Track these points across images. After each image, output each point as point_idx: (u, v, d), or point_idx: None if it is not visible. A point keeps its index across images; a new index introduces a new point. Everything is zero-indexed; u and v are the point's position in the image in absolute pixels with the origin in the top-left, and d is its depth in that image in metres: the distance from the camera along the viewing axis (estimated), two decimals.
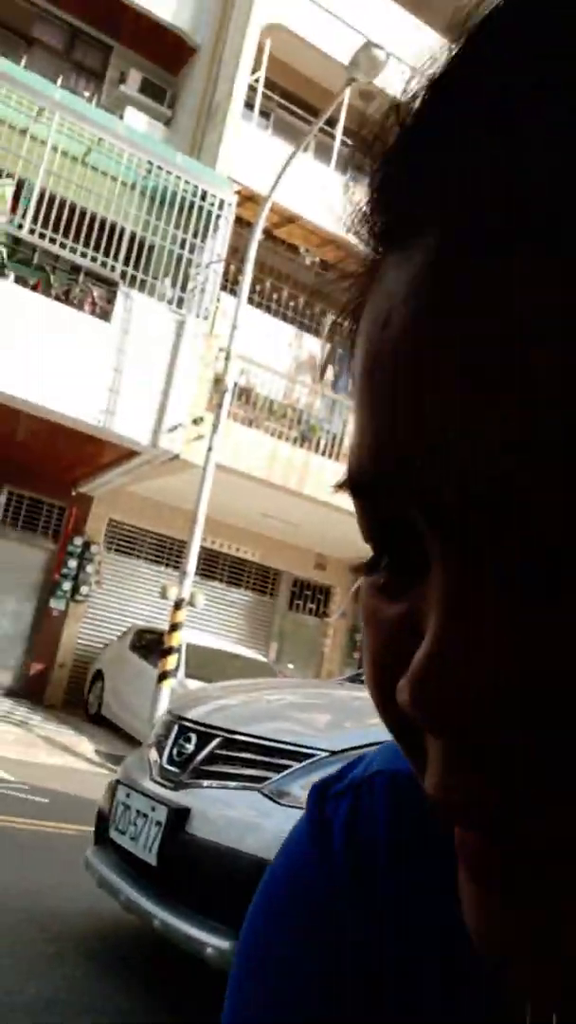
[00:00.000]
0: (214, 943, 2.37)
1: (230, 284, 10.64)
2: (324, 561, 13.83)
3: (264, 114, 12.87)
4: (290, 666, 12.38)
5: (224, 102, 12.05)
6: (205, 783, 2.75)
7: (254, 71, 12.21)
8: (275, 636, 13.59)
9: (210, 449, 9.29)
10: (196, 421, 9.88)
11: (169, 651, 8.92)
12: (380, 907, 0.39)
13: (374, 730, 2.62)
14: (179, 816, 2.66)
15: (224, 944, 2.35)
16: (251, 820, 2.53)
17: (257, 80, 12.27)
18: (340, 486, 0.27)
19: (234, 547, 13.15)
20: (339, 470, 8.45)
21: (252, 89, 12.24)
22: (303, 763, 2.58)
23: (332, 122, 11.87)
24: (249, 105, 12.21)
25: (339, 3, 12.42)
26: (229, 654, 10.19)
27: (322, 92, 12.16)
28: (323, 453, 11.07)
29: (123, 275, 9.66)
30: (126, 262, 9.68)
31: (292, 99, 13.14)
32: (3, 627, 11.87)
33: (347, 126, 12.71)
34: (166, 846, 2.65)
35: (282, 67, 12.57)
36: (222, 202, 10.40)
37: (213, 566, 12.93)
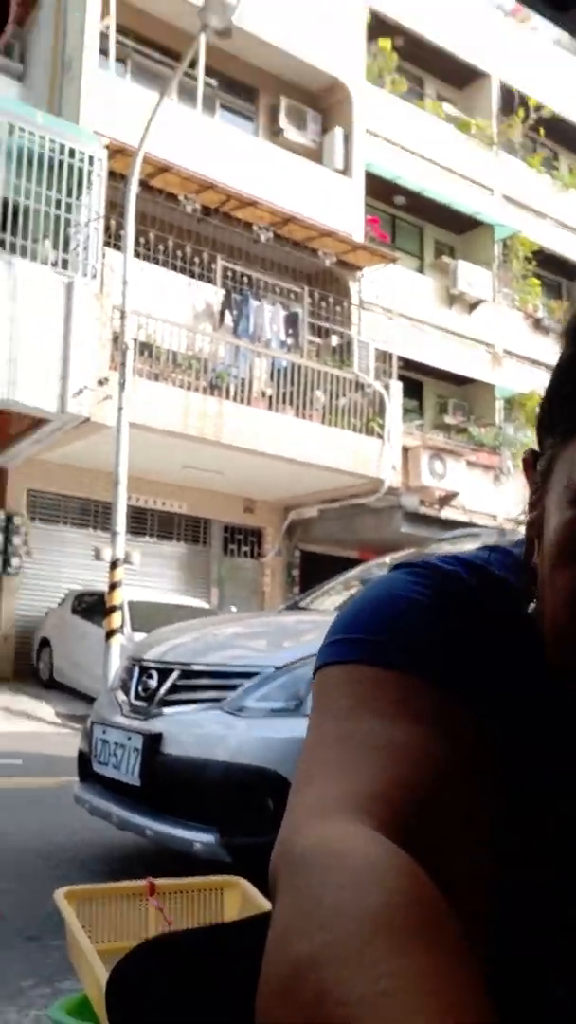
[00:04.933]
0: (200, 839, 2.83)
1: (113, 240, 10.65)
2: (252, 505, 14.18)
3: (121, 60, 12.68)
4: (233, 609, 12.83)
5: (77, 52, 11.79)
6: (172, 710, 3.19)
7: (103, 17, 11.97)
8: (215, 582, 13.95)
9: (120, 408, 9.42)
10: (101, 382, 10.02)
11: (112, 609, 9.22)
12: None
13: (310, 644, 3.09)
14: (154, 740, 3.09)
15: (208, 838, 2.81)
16: (217, 732, 2.99)
17: (108, 27, 12.03)
18: None
19: (160, 502, 13.40)
20: (251, 414, 8.75)
21: (104, 36, 11.98)
22: (254, 680, 3.04)
23: (192, 63, 11.83)
24: (104, 52, 11.99)
25: None
26: (172, 606, 10.53)
27: (177, 32, 12.06)
28: (234, 399, 11.32)
29: (1, 243, 9.59)
30: (3, 229, 9.59)
31: (147, 43, 12.96)
32: None
33: (209, 65, 12.67)
34: (146, 767, 3.08)
35: (132, 11, 12.31)
36: (91, 158, 10.33)
37: (142, 523, 13.17)
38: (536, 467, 0.58)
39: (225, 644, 3.49)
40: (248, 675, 3.08)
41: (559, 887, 0.55)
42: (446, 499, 13.60)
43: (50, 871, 3.55)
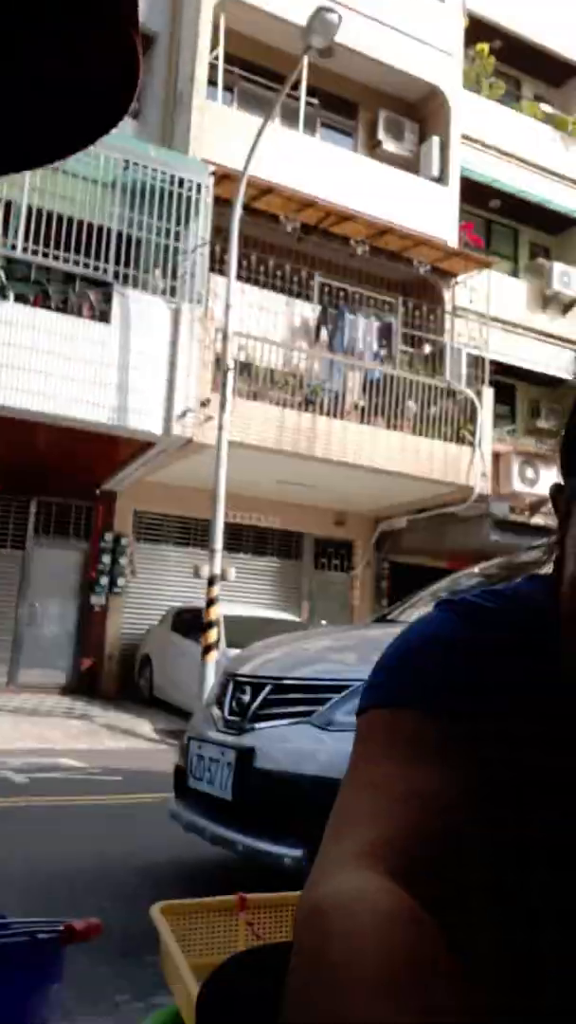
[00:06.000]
0: (290, 854, 2.82)
1: (217, 264, 10.90)
2: (343, 517, 14.20)
3: (228, 88, 13.02)
4: (323, 623, 12.83)
5: (188, 85, 12.20)
6: (263, 724, 3.20)
7: (213, 48, 12.33)
8: (305, 596, 14.02)
9: (221, 428, 9.62)
10: (204, 403, 10.23)
11: (209, 626, 9.36)
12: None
13: None
14: (246, 755, 3.11)
15: (297, 853, 2.80)
16: (307, 748, 2.98)
17: (217, 57, 12.40)
18: None
19: (256, 517, 13.54)
20: (343, 427, 8.87)
21: (213, 67, 12.37)
22: (342, 694, 3.01)
23: (295, 85, 12.02)
24: (212, 82, 12.34)
25: None
26: (265, 619, 10.61)
27: (281, 56, 12.28)
28: (327, 413, 11.38)
29: (116, 275, 9.96)
30: (116, 262, 9.98)
31: (253, 68, 13.25)
32: (51, 631, 12.40)
33: (311, 85, 12.85)
34: (238, 782, 3.10)
35: (239, 39, 12.68)
36: (199, 186, 10.63)
37: (238, 539, 13.34)
38: (560, 503, 0.60)
39: (315, 658, 3.47)
40: (337, 688, 3.06)
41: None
42: (537, 505, 13.24)
43: (147, 888, 3.61)
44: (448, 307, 13.60)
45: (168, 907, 1.94)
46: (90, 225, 9.86)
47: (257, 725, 3.22)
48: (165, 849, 4.25)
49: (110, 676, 12.45)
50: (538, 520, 12.97)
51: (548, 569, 0.67)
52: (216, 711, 3.54)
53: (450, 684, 0.58)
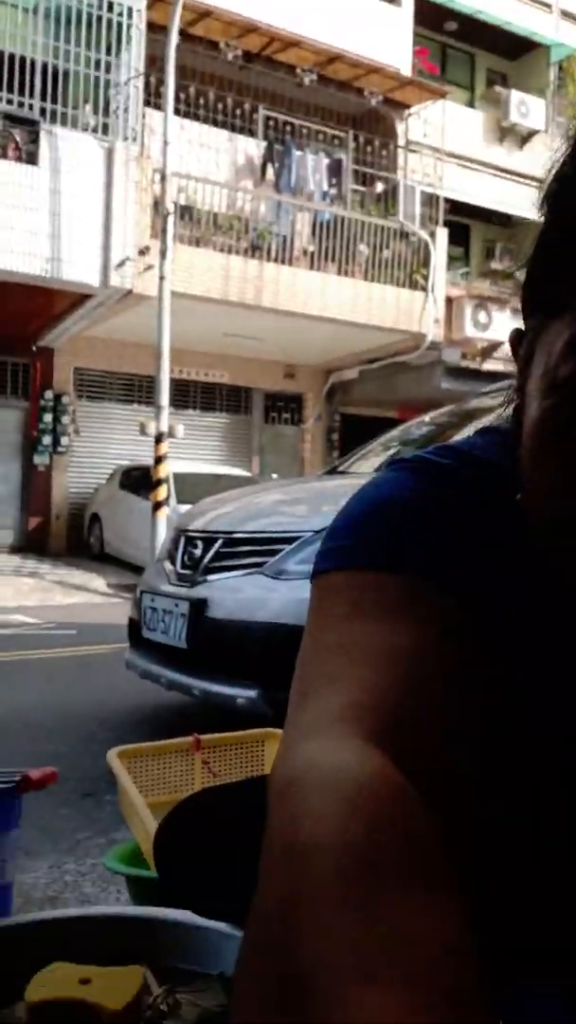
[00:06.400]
0: (243, 694, 2.93)
1: (153, 97, 10.14)
2: (293, 370, 14.00)
3: None
4: (274, 476, 12.88)
5: None
6: (216, 576, 3.23)
7: None
8: (255, 451, 14.01)
9: (162, 278, 9.23)
10: (143, 251, 9.75)
11: (158, 483, 9.33)
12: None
13: None
14: (199, 605, 3.16)
15: (251, 693, 2.89)
16: (258, 596, 3.03)
17: None
18: None
19: (203, 372, 13.29)
20: (291, 275, 8.49)
21: None
22: (294, 544, 3.03)
23: None
24: None
25: None
26: (215, 475, 10.63)
27: None
28: (275, 259, 10.93)
29: (43, 112, 9.22)
30: (43, 97, 9.22)
31: None
32: None
33: None
34: (192, 631, 3.16)
35: None
36: (131, 9, 9.75)
37: (185, 395, 13.13)
38: (520, 349, 0.56)
39: (266, 511, 3.48)
40: (288, 540, 3.08)
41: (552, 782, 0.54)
42: (489, 350, 13.14)
43: (104, 733, 3.71)
44: (401, 141, 12.95)
45: (125, 751, 1.98)
46: (12, 56, 9.05)
47: (209, 577, 3.25)
48: (122, 697, 4.36)
49: (59, 534, 12.45)
50: (489, 366, 12.92)
51: (500, 417, 0.63)
52: (168, 565, 3.56)
53: (413, 543, 0.55)
